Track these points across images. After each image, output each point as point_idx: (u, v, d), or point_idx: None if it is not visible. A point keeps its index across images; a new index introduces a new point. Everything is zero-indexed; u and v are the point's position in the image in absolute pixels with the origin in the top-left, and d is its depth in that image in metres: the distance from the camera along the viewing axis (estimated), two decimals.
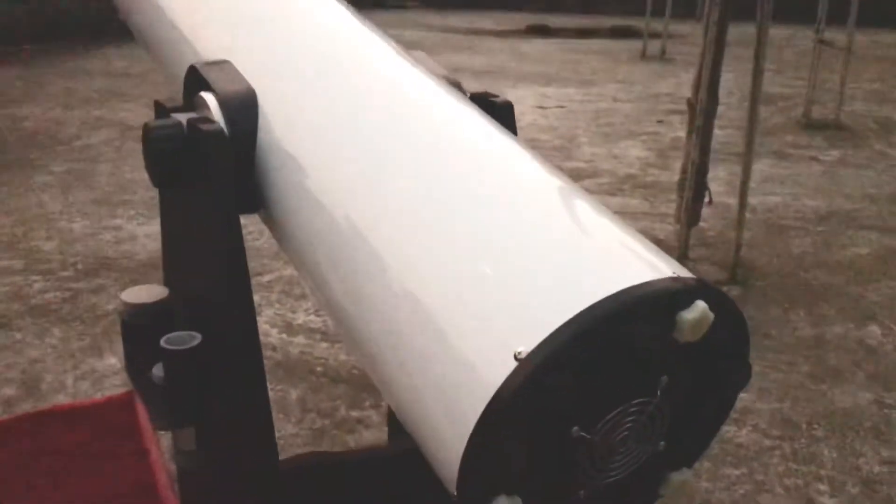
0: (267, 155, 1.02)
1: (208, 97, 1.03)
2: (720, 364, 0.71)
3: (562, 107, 6.40)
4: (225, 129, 1.00)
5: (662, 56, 8.79)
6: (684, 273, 0.68)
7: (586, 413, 0.65)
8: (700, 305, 0.62)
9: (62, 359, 2.44)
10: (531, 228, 0.74)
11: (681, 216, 3.33)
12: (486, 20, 12.82)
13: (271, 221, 1.06)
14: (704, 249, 3.42)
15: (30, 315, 2.72)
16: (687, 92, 4.87)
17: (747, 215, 3.23)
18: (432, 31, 11.28)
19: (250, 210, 1.06)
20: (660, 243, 3.36)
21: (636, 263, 0.70)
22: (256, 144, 1.02)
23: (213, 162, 0.98)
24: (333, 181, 0.93)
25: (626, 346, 0.64)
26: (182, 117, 1.02)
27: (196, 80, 1.08)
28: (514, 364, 0.60)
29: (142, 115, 5.52)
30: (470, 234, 0.76)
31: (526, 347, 0.60)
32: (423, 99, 1.04)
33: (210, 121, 1.01)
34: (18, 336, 2.57)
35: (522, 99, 6.60)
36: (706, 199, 3.36)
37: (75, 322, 2.67)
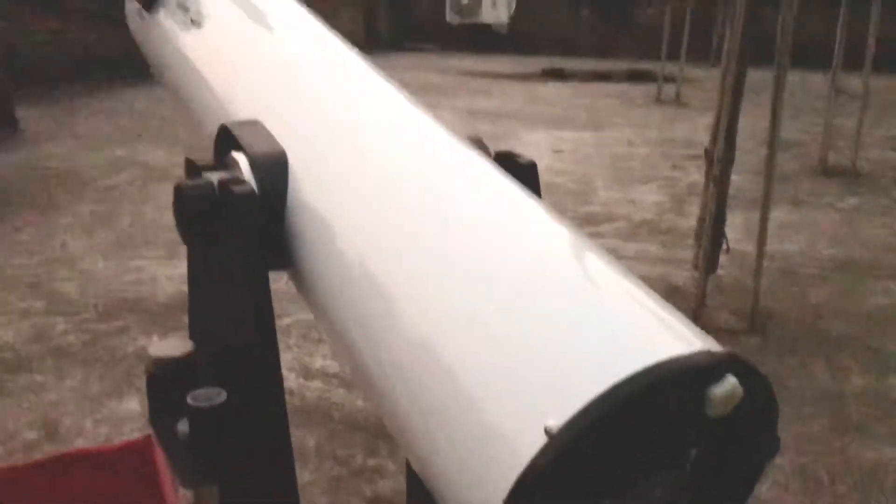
0: (296, 215, 1.03)
1: (240, 157, 1.05)
2: (749, 435, 0.71)
3: (577, 150, 6.44)
4: (255, 189, 1.02)
5: (677, 100, 8.84)
6: (714, 345, 0.68)
7: (615, 485, 0.65)
8: (730, 381, 0.63)
9: (82, 402, 2.45)
10: (560, 296, 0.75)
11: (698, 264, 3.33)
12: (503, 63, 12.98)
13: (298, 279, 1.08)
14: (722, 297, 3.41)
15: (51, 357, 2.74)
16: (702, 137, 4.86)
17: (764, 263, 3.22)
18: (449, 75, 11.43)
19: (279, 267, 1.08)
20: (677, 290, 3.35)
21: (667, 335, 0.70)
22: (286, 204, 1.04)
23: (244, 222, 0.99)
24: (361, 243, 0.95)
25: (655, 419, 0.64)
26: (214, 177, 1.04)
27: (227, 138, 1.10)
28: (544, 438, 0.61)
29: (164, 156, 5.61)
30: (499, 299, 0.77)
31: (557, 421, 0.61)
32: (449, 160, 1.06)
33: (241, 182, 1.03)
34: (39, 378, 2.59)
35: (538, 142, 6.65)
36: (723, 247, 3.36)
37: (96, 364, 2.69)
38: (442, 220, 0.91)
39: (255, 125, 1.12)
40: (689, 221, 4.55)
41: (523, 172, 1.12)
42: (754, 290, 3.16)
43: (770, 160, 3.11)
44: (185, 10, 1.61)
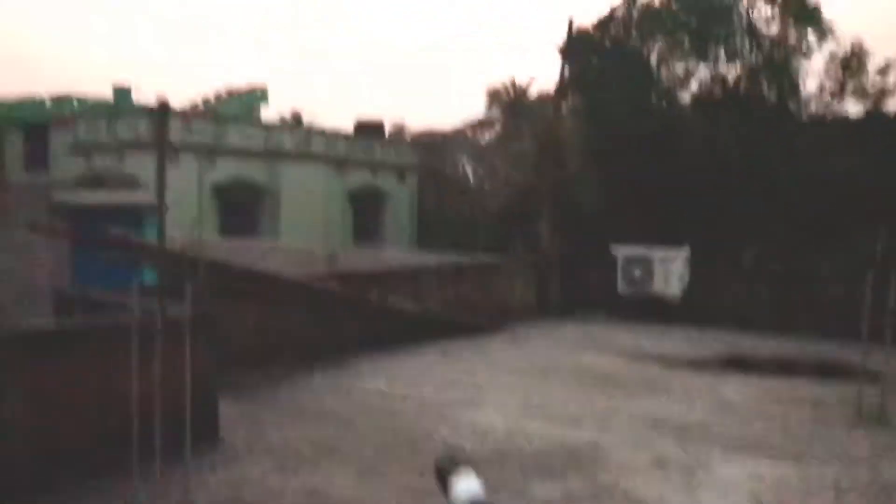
0: None
1: None
2: None
3: (780, 497, 5.91)
4: None
5: (882, 415, 8.08)
6: None
7: None
8: None
9: None
10: None
11: None
12: (677, 342, 12.70)
13: None
14: None
15: None
16: None
17: None
18: (623, 357, 11.26)
19: None
20: None
21: None
22: None
23: None
24: None
25: None
26: None
27: None
28: None
29: (355, 488, 5.65)
30: None
31: None
32: None
33: None
34: None
35: (733, 481, 6.19)
36: None
37: None
38: None
39: None
40: None
41: None
42: None
43: None
44: None
